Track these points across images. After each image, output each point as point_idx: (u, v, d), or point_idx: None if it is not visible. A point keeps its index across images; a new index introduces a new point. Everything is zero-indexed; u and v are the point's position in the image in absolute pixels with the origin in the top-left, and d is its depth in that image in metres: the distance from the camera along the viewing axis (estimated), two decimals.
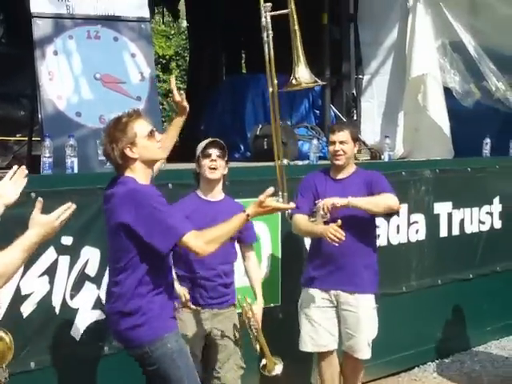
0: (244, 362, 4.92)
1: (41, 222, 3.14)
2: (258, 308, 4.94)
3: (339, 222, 4.97)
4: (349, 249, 5.08)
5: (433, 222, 7.02)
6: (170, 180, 5.19)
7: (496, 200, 7.64)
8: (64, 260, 4.73)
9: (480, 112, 8.55)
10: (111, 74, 5.90)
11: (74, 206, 3.24)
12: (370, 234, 5.38)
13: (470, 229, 7.39)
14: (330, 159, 5.36)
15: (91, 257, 4.80)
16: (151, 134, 4.02)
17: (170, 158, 4.69)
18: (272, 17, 4.06)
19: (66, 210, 3.21)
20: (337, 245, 4.97)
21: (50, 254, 4.64)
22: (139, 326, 3.95)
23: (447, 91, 8.39)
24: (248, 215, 3.99)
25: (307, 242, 5.78)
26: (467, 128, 8.24)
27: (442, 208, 7.11)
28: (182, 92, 4.43)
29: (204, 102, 9.73)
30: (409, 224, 6.80)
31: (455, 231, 7.25)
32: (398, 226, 6.69)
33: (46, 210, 3.18)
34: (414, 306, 6.83)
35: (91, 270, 4.79)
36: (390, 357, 6.56)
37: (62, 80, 5.73)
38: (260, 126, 8.04)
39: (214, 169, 4.82)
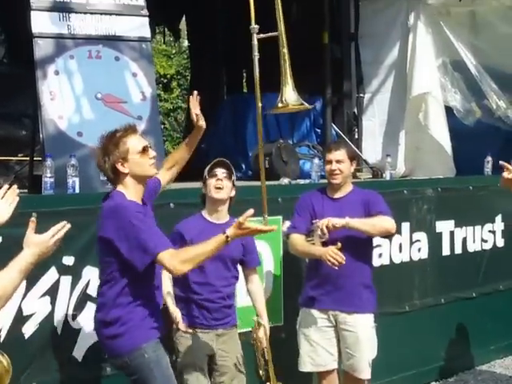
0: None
1: (35, 242, 3.14)
2: (265, 331, 4.94)
3: (339, 244, 4.93)
4: (347, 269, 5.04)
5: (435, 240, 6.99)
6: (171, 199, 5.18)
7: (498, 218, 7.61)
8: (66, 280, 4.71)
9: (481, 130, 8.56)
10: (112, 94, 5.90)
11: (68, 225, 3.24)
12: (367, 253, 5.35)
13: (472, 247, 7.36)
14: (327, 178, 5.35)
15: (93, 277, 4.75)
16: (144, 151, 4.05)
17: None
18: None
19: (60, 229, 3.20)
20: (336, 268, 4.95)
21: (51, 275, 4.62)
22: (119, 335, 4.01)
23: (448, 110, 8.42)
24: (227, 237, 3.89)
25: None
26: (469, 146, 8.25)
27: (444, 226, 7.08)
28: (198, 112, 4.50)
29: (205, 120, 9.70)
30: (411, 243, 6.77)
31: (458, 250, 7.21)
32: (400, 245, 6.66)
33: (48, 230, 3.18)
34: (417, 325, 6.78)
35: (93, 290, 4.74)
36: (391, 377, 6.51)
37: (64, 100, 5.72)
38: None
39: (219, 188, 4.81)
